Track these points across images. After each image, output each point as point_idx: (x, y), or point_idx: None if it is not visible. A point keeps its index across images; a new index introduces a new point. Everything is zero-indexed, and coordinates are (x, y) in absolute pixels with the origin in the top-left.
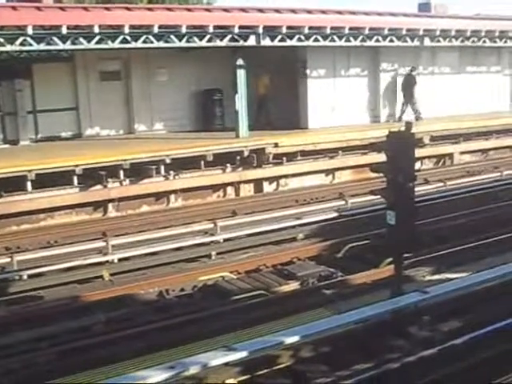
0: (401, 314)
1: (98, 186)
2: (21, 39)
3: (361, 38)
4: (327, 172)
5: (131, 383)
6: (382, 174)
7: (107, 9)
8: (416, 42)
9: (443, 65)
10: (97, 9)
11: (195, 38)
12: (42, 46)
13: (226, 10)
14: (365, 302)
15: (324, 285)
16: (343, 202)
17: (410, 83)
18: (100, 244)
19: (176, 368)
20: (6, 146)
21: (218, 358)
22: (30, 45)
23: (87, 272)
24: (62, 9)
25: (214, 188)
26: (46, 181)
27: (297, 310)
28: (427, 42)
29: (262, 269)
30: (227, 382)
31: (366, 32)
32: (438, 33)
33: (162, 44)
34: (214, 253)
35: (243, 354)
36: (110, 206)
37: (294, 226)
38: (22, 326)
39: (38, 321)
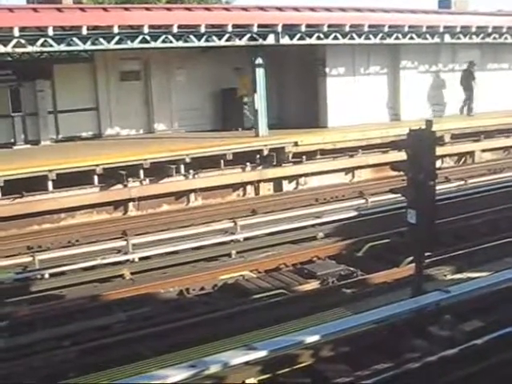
0: (421, 313)
1: (119, 186)
2: (42, 40)
3: (380, 35)
4: (347, 171)
5: (152, 382)
6: (402, 173)
7: (127, 9)
8: (436, 39)
9: (464, 62)
10: (116, 9)
11: (214, 38)
12: (63, 47)
13: (244, 9)
14: (385, 301)
15: (344, 284)
16: (363, 201)
17: (469, 78)
18: (121, 243)
19: (197, 367)
20: (28, 146)
21: (238, 357)
22: (51, 46)
23: (108, 271)
24: (82, 9)
25: (234, 187)
26: (66, 180)
27: (317, 309)
28: (447, 38)
29: (281, 268)
30: (247, 381)
31: (386, 29)
32: (458, 29)
33: (181, 44)
34: (234, 252)
35: (263, 353)
36: (131, 205)
37: (313, 225)
38: (44, 325)
39: (60, 319)
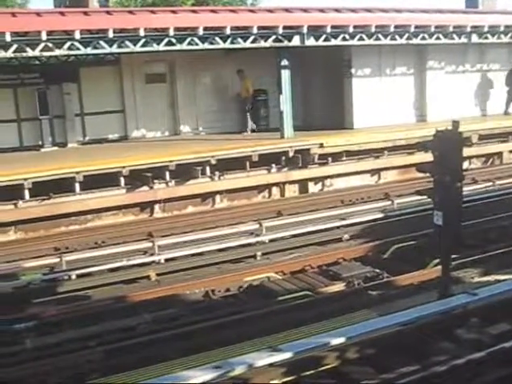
0: (448, 316)
1: (145, 188)
2: (68, 43)
3: (406, 35)
4: (373, 172)
5: (177, 383)
6: (428, 174)
7: (153, 12)
8: (463, 39)
9: (492, 62)
10: (142, 12)
11: (239, 39)
12: (89, 50)
13: (270, 10)
14: (411, 303)
15: (370, 286)
16: (389, 203)
17: None
18: (146, 244)
19: (221, 368)
20: (55, 148)
21: (263, 359)
22: (78, 49)
23: (134, 272)
24: (108, 13)
25: (260, 188)
26: (93, 182)
27: (342, 311)
28: (475, 38)
29: (307, 269)
30: (272, 382)
31: (412, 30)
32: (486, 29)
33: (206, 46)
34: (259, 253)
35: (288, 355)
36: (157, 206)
37: (339, 227)
38: (71, 325)
39: (86, 320)
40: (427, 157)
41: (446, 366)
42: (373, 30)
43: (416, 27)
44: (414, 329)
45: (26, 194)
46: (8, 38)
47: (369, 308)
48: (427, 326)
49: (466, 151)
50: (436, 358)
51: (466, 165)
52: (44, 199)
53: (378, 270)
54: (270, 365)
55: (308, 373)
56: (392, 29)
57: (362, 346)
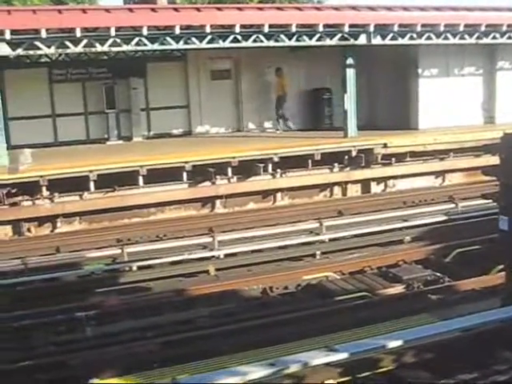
0: (511, 324)
1: (207, 183)
2: (136, 39)
3: (476, 35)
4: (437, 174)
5: (232, 378)
6: (494, 178)
7: (219, 9)
8: None
9: None
10: (209, 9)
11: (305, 37)
12: (156, 46)
13: (336, 8)
14: (473, 309)
15: (430, 289)
16: (453, 205)
17: None
18: (207, 239)
19: (276, 365)
20: (120, 141)
21: (318, 358)
22: (145, 45)
23: (193, 266)
24: (175, 9)
25: (321, 187)
26: (157, 176)
27: (400, 313)
28: None
29: (366, 270)
30: (326, 382)
31: (483, 29)
32: None
33: (272, 43)
34: (318, 252)
35: (344, 356)
36: (218, 202)
37: (401, 228)
38: (130, 315)
39: (145, 311)
40: (494, 160)
41: (506, 375)
42: (441, 29)
43: (487, 26)
44: (474, 336)
45: (92, 185)
46: (78, 33)
47: (428, 312)
48: (488, 334)
49: None
50: (496, 366)
51: None
52: (108, 191)
53: (439, 274)
54: (326, 364)
55: (363, 374)
56: (462, 28)
57: (420, 350)
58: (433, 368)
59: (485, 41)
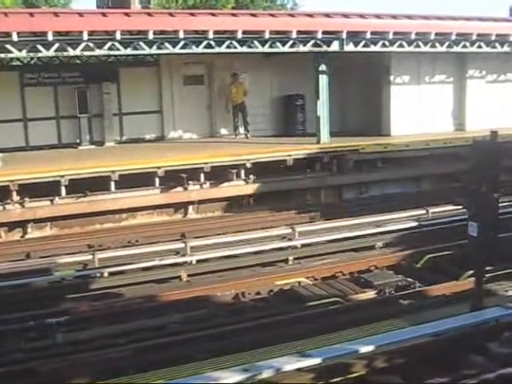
0: (480, 329)
1: (179, 188)
2: (109, 44)
3: (447, 43)
4: (409, 180)
5: (206, 383)
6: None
7: (192, 14)
8: (506, 48)
9: None
10: (182, 14)
11: (278, 44)
12: (129, 51)
13: (309, 15)
14: (443, 314)
15: (401, 295)
16: (423, 212)
17: None
18: (179, 245)
19: (250, 371)
20: (92, 146)
21: (291, 364)
22: (118, 49)
23: (166, 272)
24: (148, 14)
25: (295, 193)
26: (129, 181)
27: (372, 319)
28: None
29: (338, 276)
30: None
31: (453, 37)
32: None
33: (245, 49)
34: (291, 258)
35: (317, 361)
36: (190, 207)
37: (372, 234)
38: (102, 322)
39: (117, 317)
40: (462, 166)
41: (476, 379)
42: (413, 37)
43: (457, 35)
44: (444, 340)
45: (63, 190)
46: (50, 37)
47: (399, 317)
48: (458, 338)
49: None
50: (466, 371)
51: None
52: (80, 197)
53: (410, 279)
54: (299, 370)
55: (336, 380)
56: (433, 36)
57: (392, 355)
58: (404, 373)
59: (455, 49)
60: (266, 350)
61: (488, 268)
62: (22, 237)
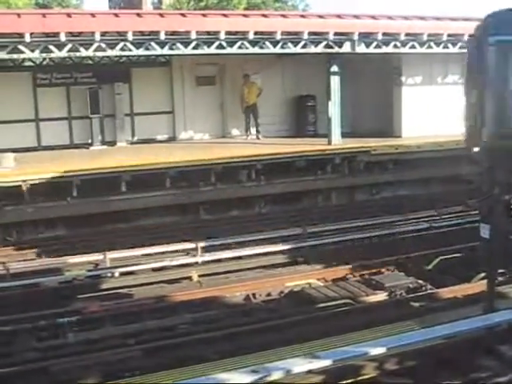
0: (492, 331)
1: (191, 189)
2: (121, 44)
3: (459, 44)
4: (421, 181)
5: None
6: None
7: (204, 15)
8: None
9: None
10: (194, 15)
11: (290, 45)
12: (141, 51)
13: (321, 16)
14: (454, 316)
15: (412, 297)
16: (435, 213)
17: None
18: (190, 245)
19: (259, 372)
20: (104, 147)
21: (301, 365)
22: (130, 50)
23: (177, 272)
24: (161, 15)
25: (306, 194)
26: (140, 182)
27: (383, 321)
28: None
29: (349, 278)
30: None
31: (465, 38)
32: None
33: (256, 50)
34: (300, 259)
35: (327, 363)
36: (202, 208)
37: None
38: (112, 322)
39: (127, 317)
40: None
41: (488, 382)
42: (425, 38)
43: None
44: (455, 343)
45: (75, 191)
46: (63, 37)
47: (410, 319)
48: (470, 341)
49: None
50: (477, 374)
51: None
52: (92, 197)
53: (421, 282)
54: (309, 371)
55: (346, 381)
56: (445, 37)
57: (403, 357)
58: (415, 375)
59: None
60: (276, 351)
61: (500, 270)
62: (34, 236)
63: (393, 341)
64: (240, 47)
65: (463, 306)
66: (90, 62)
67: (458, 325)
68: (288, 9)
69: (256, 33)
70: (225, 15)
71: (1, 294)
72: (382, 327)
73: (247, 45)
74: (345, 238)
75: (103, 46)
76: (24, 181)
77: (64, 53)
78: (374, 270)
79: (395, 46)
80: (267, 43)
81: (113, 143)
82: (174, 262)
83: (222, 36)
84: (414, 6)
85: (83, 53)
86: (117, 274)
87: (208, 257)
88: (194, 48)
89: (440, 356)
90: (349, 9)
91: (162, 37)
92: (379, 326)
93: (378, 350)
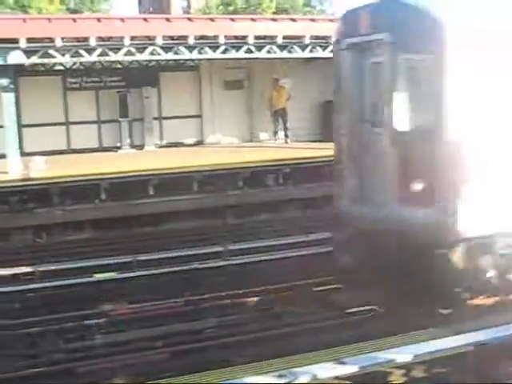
0: None
1: (218, 193)
2: (150, 49)
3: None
4: None
5: None
6: None
7: (233, 20)
8: None
9: None
10: (223, 20)
11: (318, 49)
12: (170, 56)
13: None
14: (484, 324)
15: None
16: None
17: None
18: (217, 249)
19: (285, 377)
20: (133, 150)
21: (327, 371)
22: (159, 54)
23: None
24: (189, 19)
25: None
26: (168, 185)
27: (411, 327)
28: None
29: None
30: None
31: None
32: None
33: (285, 54)
34: None
35: (353, 369)
36: (229, 212)
37: None
38: (140, 324)
39: (155, 320)
40: None
41: None
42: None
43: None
44: (485, 350)
45: (103, 193)
46: (93, 42)
47: (438, 327)
48: (499, 348)
49: None
50: (507, 381)
51: None
52: (119, 200)
53: None
54: (335, 377)
55: None
56: None
57: (430, 364)
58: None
59: None
60: (303, 356)
61: None
62: (63, 239)
63: (420, 348)
64: (268, 51)
65: (493, 313)
66: (119, 66)
67: (488, 332)
68: (316, 13)
69: (284, 37)
70: (253, 19)
71: (30, 296)
72: (410, 334)
73: (275, 49)
74: None
75: (132, 50)
76: (54, 183)
77: (94, 57)
78: None
79: None
80: (295, 47)
81: (141, 147)
82: (202, 265)
83: (251, 40)
84: None
85: (112, 57)
86: (145, 277)
87: (235, 260)
88: (222, 52)
89: (469, 363)
90: None
91: (191, 41)
92: (407, 333)
93: (404, 357)
